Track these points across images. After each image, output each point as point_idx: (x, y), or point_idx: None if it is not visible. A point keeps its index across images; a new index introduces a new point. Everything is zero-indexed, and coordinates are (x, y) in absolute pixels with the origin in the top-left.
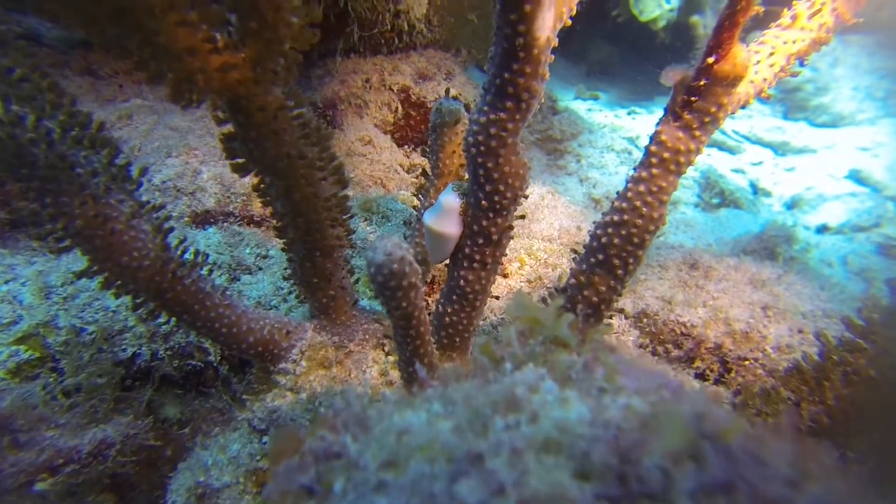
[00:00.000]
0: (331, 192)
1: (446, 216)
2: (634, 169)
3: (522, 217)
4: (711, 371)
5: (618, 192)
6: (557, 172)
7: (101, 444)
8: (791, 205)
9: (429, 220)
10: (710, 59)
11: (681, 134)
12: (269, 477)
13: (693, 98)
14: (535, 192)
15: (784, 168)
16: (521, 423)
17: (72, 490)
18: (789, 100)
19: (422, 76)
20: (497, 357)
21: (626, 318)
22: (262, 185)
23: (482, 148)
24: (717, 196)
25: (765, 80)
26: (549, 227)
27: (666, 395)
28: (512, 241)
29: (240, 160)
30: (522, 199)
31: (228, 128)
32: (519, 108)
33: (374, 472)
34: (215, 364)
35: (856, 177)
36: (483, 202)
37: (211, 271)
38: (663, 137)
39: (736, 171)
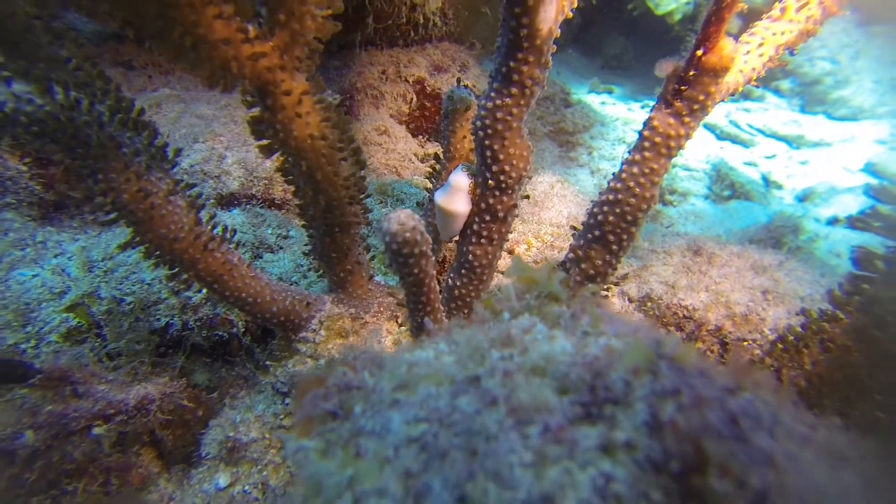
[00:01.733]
0: (349, 171)
1: (456, 195)
2: (629, 152)
3: (527, 197)
4: (712, 352)
5: (614, 174)
6: (569, 164)
7: (144, 399)
8: (802, 197)
9: (439, 198)
10: (699, 52)
11: (671, 120)
12: (296, 406)
13: (683, 87)
14: (546, 181)
15: (798, 161)
16: (513, 355)
17: (120, 441)
18: (807, 93)
19: (437, 68)
20: (497, 310)
21: (631, 301)
22: (286, 165)
23: (489, 131)
24: (727, 188)
25: (754, 69)
26: (557, 215)
27: (639, 336)
28: (521, 226)
29: (266, 142)
30: (526, 178)
31: (256, 111)
32: (523, 94)
33: (389, 394)
34: (240, 335)
35: (871, 170)
36: (490, 181)
37: (238, 246)
38: (655, 123)
39: (748, 164)
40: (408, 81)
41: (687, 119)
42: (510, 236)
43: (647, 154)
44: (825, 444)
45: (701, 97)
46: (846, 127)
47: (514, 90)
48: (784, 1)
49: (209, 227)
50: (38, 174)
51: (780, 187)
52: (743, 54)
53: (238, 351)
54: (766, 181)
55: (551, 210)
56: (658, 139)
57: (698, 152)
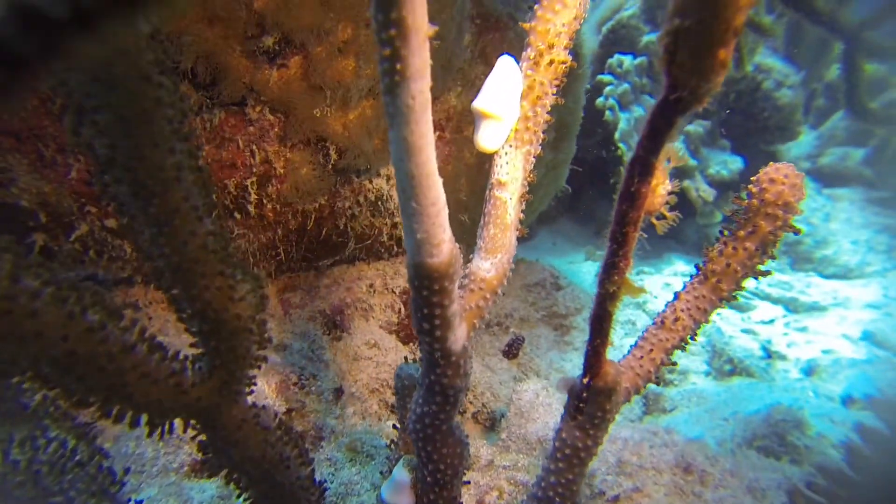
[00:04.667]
0: (296, 475)
1: (399, 490)
2: (548, 458)
3: (467, 483)
4: None
5: (537, 476)
6: (564, 348)
7: None
8: (808, 371)
9: (385, 493)
10: (586, 379)
11: (577, 433)
12: None
13: (582, 404)
14: (531, 390)
15: (796, 328)
16: None
17: None
18: (793, 252)
19: None
20: None
21: None
22: (234, 476)
23: (421, 434)
24: (727, 364)
25: (649, 371)
26: (543, 427)
27: None
28: (499, 456)
29: (213, 461)
30: (463, 472)
31: (202, 436)
32: (447, 401)
33: None
34: None
35: (871, 339)
36: (428, 478)
37: None
38: (564, 436)
39: (746, 331)
40: (395, 292)
41: (591, 431)
42: (482, 482)
43: (561, 465)
44: None
45: (599, 412)
46: (838, 286)
47: (438, 399)
48: (663, 314)
49: None
50: None
51: (783, 357)
52: (637, 358)
53: None
54: (767, 351)
55: (537, 422)
56: (568, 451)
57: None
